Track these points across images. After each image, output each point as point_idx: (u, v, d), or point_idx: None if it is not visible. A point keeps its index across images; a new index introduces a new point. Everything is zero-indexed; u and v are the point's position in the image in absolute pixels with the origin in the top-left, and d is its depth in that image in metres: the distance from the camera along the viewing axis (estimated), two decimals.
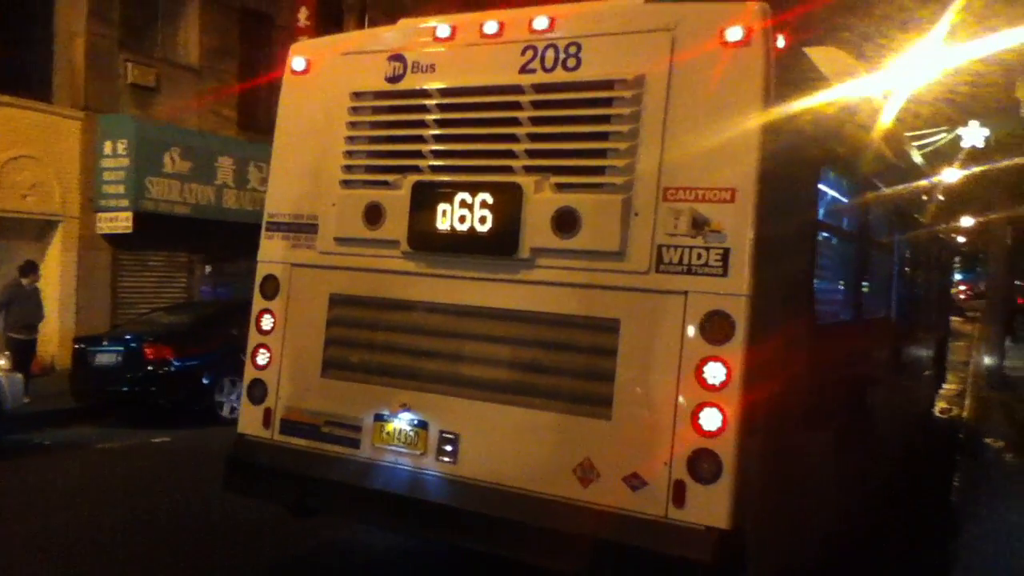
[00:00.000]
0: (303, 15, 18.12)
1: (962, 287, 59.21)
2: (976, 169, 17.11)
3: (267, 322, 5.20)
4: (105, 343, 11.62)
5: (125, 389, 11.14)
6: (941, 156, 20.50)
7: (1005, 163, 12.31)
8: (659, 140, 4.13)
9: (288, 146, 5.33)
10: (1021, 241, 13.70)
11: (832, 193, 5.42)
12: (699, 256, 4.00)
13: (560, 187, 4.37)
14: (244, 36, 17.46)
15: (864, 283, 6.47)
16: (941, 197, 11.55)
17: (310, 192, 5.12)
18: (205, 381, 11.33)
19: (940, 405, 14.81)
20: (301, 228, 5.14)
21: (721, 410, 3.89)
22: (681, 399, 3.98)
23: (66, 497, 7.87)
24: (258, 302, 5.27)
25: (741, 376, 3.90)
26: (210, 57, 16.63)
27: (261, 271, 5.28)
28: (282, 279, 5.19)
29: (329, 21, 18.88)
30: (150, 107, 15.55)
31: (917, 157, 9.59)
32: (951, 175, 21.84)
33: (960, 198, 23.64)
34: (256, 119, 17.88)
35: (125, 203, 14.38)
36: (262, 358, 5.21)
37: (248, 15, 17.49)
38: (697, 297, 4.00)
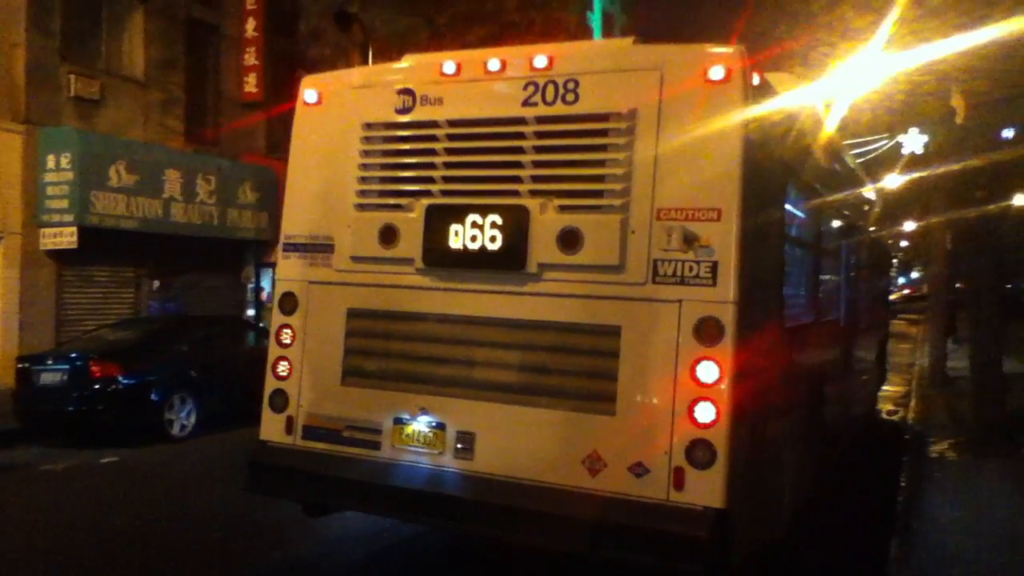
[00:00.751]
0: (251, 26, 17.98)
1: (905, 291, 61.02)
2: (916, 175, 17.56)
3: (286, 336, 5.59)
4: (50, 361, 11.36)
5: (71, 408, 10.88)
6: (883, 162, 21.01)
7: (943, 169, 12.66)
8: (652, 166, 4.63)
9: (302, 172, 5.67)
10: (960, 244, 14.09)
11: (793, 208, 5.97)
12: (691, 269, 4.52)
13: (563, 208, 4.83)
14: (190, 47, 17.24)
15: (819, 288, 7.11)
16: (878, 208, 12.37)
17: (325, 214, 5.50)
18: (154, 398, 11.12)
19: (886, 407, 15.15)
20: (317, 248, 5.51)
21: (714, 404, 4.41)
22: (678, 395, 4.48)
23: (5, 522, 7.68)
24: (277, 318, 5.65)
25: (731, 373, 4.42)
26: (155, 68, 16.39)
27: (279, 288, 5.69)
28: (300, 296, 5.58)
29: (277, 32, 18.75)
30: (94, 120, 15.27)
31: (861, 173, 10.29)
32: (893, 181, 22.40)
33: (902, 203, 24.23)
34: (203, 131, 17.67)
35: (69, 218, 14.09)
36: (283, 369, 5.59)
37: (194, 26, 17.28)
38: (690, 305, 4.51)
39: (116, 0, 15.83)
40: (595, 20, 63.97)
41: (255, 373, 12.96)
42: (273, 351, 5.66)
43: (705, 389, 4.43)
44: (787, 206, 5.66)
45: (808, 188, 6.54)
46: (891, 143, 19.21)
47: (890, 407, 15.05)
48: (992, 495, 8.30)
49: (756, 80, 4.69)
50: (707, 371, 4.43)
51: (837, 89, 12.14)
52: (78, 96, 14.95)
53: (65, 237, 14.10)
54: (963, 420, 11.81)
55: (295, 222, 5.65)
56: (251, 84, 18.11)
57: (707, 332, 4.46)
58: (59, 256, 14.52)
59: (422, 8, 20.69)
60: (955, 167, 11.64)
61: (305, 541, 7.14)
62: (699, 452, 4.41)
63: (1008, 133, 11.60)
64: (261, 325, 16.90)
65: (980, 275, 11.62)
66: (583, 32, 26.83)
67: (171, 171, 15.63)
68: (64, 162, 14.12)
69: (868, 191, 10.67)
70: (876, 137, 19.35)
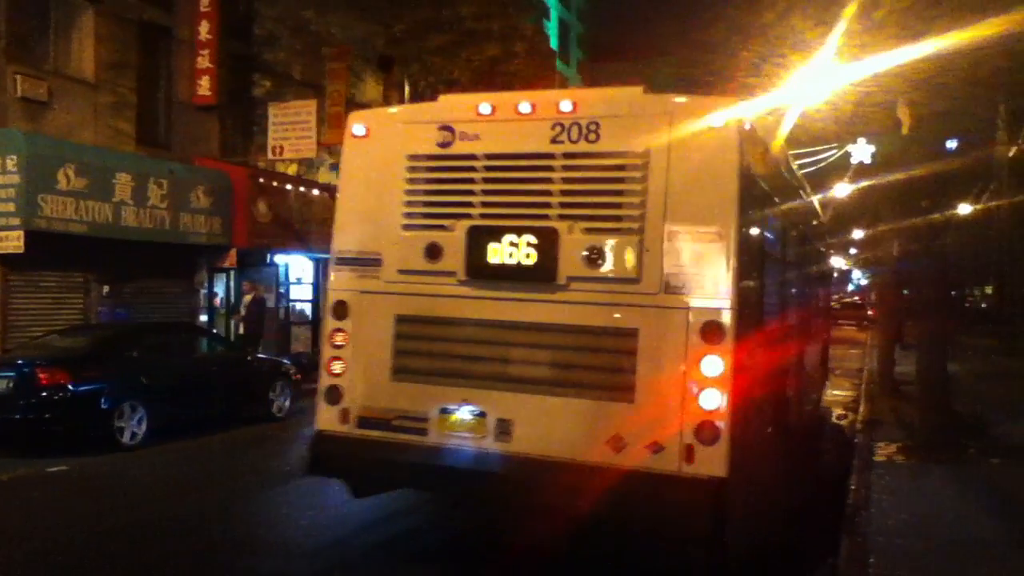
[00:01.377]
0: (204, 29, 17.75)
1: (855, 297, 62.36)
2: (865, 184, 17.95)
3: (339, 338, 6.33)
4: None
5: (18, 416, 10.61)
6: (833, 171, 21.44)
7: (890, 178, 12.97)
8: (663, 196, 5.51)
9: (351, 197, 6.52)
10: (907, 252, 14.44)
11: (767, 229, 6.85)
12: (697, 281, 5.44)
13: (588, 230, 5.69)
14: (142, 49, 16.94)
15: (784, 297, 8.06)
16: (825, 228, 13.30)
17: (373, 234, 6.29)
18: (104, 406, 10.88)
19: (837, 411, 15.44)
20: (366, 262, 6.30)
21: (718, 392, 5.32)
22: (688, 385, 5.38)
23: None
24: (330, 323, 6.40)
25: (731, 367, 5.34)
26: (106, 70, 16.09)
27: (332, 297, 6.41)
28: (351, 304, 6.34)
29: (231, 35, 18.54)
30: (42, 122, 14.94)
31: (815, 201, 11.84)
32: (842, 190, 22.87)
33: (852, 211, 24.74)
34: (155, 134, 17.39)
35: (16, 221, 13.74)
36: (337, 368, 6.32)
37: (146, 28, 17.00)
38: (697, 311, 5.42)
39: (65, 0, 15.52)
40: (552, 29, 64.26)
41: (209, 380, 12.90)
42: (327, 352, 6.38)
43: (710, 380, 5.34)
44: (767, 229, 6.66)
45: (780, 214, 7.56)
46: (840, 153, 19.63)
47: (840, 412, 15.35)
48: (939, 498, 8.50)
49: (748, 126, 5.65)
50: (712, 365, 5.35)
51: (789, 99, 12.40)
52: (25, 97, 14.62)
53: (11, 241, 13.76)
54: (911, 425, 12.08)
55: (346, 240, 6.45)
56: (204, 87, 17.85)
57: (711, 333, 5.37)
58: (5, 260, 14.15)
59: (380, 15, 20.66)
60: (901, 177, 11.94)
61: (263, 553, 7.08)
62: (706, 432, 5.31)
63: (952, 144, 11.92)
64: (215, 331, 16.71)
65: (926, 282, 11.91)
66: (541, 39, 26.95)
67: (122, 175, 15.33)
68: (10, 164, 13.78)
69: (819, 215, 12.15)
70: (826, 147, 19.75)
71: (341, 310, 6.34)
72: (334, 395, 6.32)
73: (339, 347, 6.32)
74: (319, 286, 21.62)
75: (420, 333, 6.16)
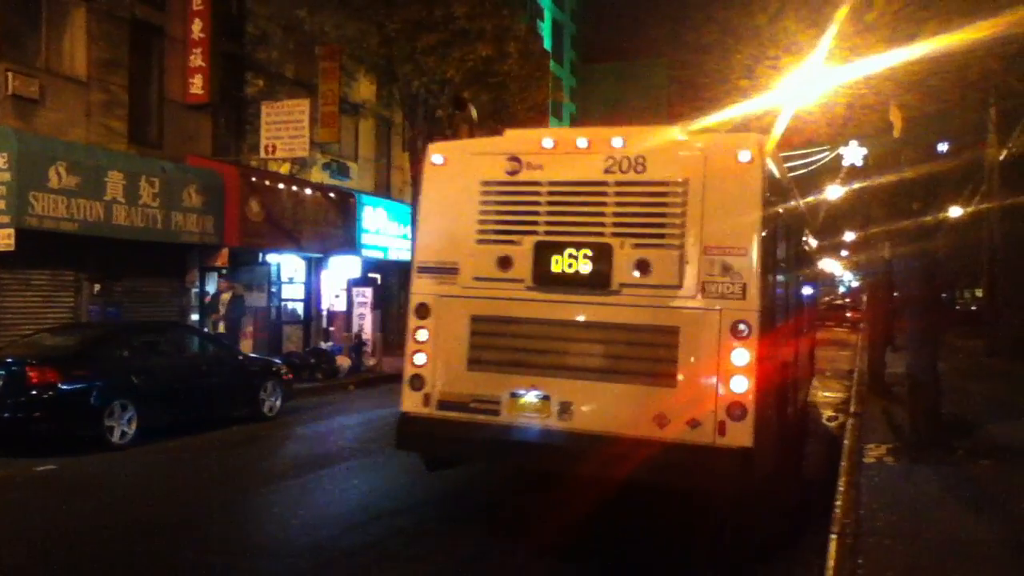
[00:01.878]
0: (197, 27, 17.73)
1: (845, 299, 62.98)
2: (856, 186, 18.02)
3: (422, 335, 7.31)
4: None
5: (6, 415, 10.57)
6: (825, 173, 21.50)
7: (881, 180, 13.01)
8: (699, 218, 6.59)
9: (431, 215, 7.56)
10: (898, 254, 14.50)
11: (779, 243, 7.90)
12: (728, 288, 6.48)
13: (636, 245, 6.72)
14: (134, 47, 16.91)
15: (788, 300, 9.11)
16: (815, 241, 14.64)
17: (450, 247, 7.28)
18: (93, 405, 10.86)
19: (827, 413, 15.48)
20: (445, 271, 7.26)
21: (745, 378, 6.38)
22: (720, 373, 6.42)
23: None
24: (414, 321, 7.37)
25: (755, 358, 6.40)
26: (98, 68, 16.06)
27: (414, 300, 7.40)
28: (432, 305, 7.31)
29: (223, 34, 18.51)
30: (33, 119, 14.90)
31: (810, 218, 13.76)
32: (834, 192, 22.92)
33: (843, 214, 24.81)
34: (147, 133, 17.36)
35: (6, 219, 13.70)
36: (419, 359, 7.30)
37: (138, 26, 16.96)
38: (728, 312, 6.47)
39: None
40: (545, 29, 64.26)
41: (199, 380, 12.88)
42: (411, 346, 7.33)
43: (738, 369, 6.39)
44: (778, 244, 7.75)
45: (787, 231, 8.69)
46: (832, 155, 19.68)
47: (830, 413, 15.39)
48: (928, 499, 8.52)
49: (768, 164, 6.76)
50: (740, 357, 6.41)
51: (782, 101, 12.42)
52: (16, 95, 14.58)
53: (2, 239, 13.72)
54: (900, 426, 12.11)
55: (426, 252, 7.46)
56: (197, 86, 17.83)
57: (739, 330, 6.42)
58: None
59: (372, 14, 20.63)
60: (892, 179, 11.97)
61: (252, 554, 7.07)
62: (735, 410, 6.37)
63: (942, 147, 11.96)
64: (206, 331, 16.66)
65: (915, 283, 11.94)
66: (534, 40, 26.97)
67: (114, 173, 15.30)
68: (1, 162, 13.74)
69: (809, 225, 13.63)
70: (818, 149, 19.79)
71: (423, 311, 7.33)
72: (417, 383, 7.30)
73: (421, 342, 7.31)
74: (311, 286, 21.61)
75: (493, 330, 7.15)
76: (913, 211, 11.32)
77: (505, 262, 7.05)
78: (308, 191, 20.31)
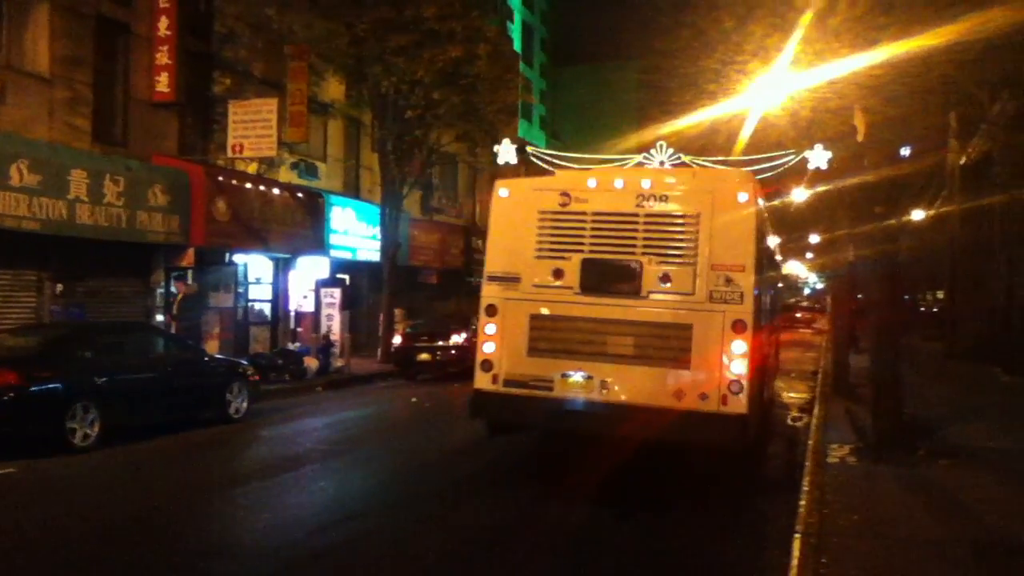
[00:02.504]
0: (163, 25, 17.52)
1: (816, 303, 63.68)
2: (821, 189, 18.25)
3: (491, 329, 9.31)
4: None
5: None
6: (791, 176, 21.73)
7: (846, 183, 13.20)
8: (708, 242, 8.63)
9: (498, 236, 9.51)
10: (861, 257, 14.71)
11: (764, 261, 9.89)
12: (730, 295, 8.54)
13: (660, 262, 8.81)
14: (99, 45, 16.65)
15: (766, 303, 11.20)
16: (781, 255, 17.07)
17: (514, 261, 9.33)
18: (55, 407, 10.68)
19: (792, 413, 15.66)
20: (509, 280, 9.31)
21: (742, 362, 8.47)
22: (723, 359, 8.49)
23: None
24: (484, 319, 9.41)
25: (749, 348, 8.45)
26: (62, 65, 15.80)
27: (484, 302, 9.42)
28: (499, 306, 9.34)
29: (190, 32, 18.32)
30: None
31: (776, 238, 16.54)
32: (800, 195, 23.19)
33: (809, 216, 25.10)
34: (112, 131, 17.12)
35: None
36: (489, 348, 9.31)
37: (103, 23, 16.71)
38: (729, 313, 8.54)
39: None
40: (515, 31, 64.32)
41: (164, 381, 12.72)
42: (482, 337, 9.39)
43: (737, 355, 8.48)
44: (763, 261, 9.71)
45: (768, 252, 11.07)
46: (798, 158, 19.91)
47: (795, 414, 15.56)
48: (889, 499, 8.65)
49: (760, 201, 9.11)
50: (738, 347, 8.49)
51: (750, 104, 12.56)
52: None
53: None
54: (863, 427, 12.28)
55: (495, 265, 9.44)
56: (163, 84, 17.61)
57: (738, 327, 8.48)
58: None
59: (342, 14, 20.53)
60: (856, 182, 12.14)
61: (216, 555, 7.00)
62: (734, 386, 8.48)
63: (905, 151, 12.15)
64: (172, 332, 16.46)
65: (877, 287, 12.12)
66: (504, 42, 26.99)
67: (77, 171, 15.06)
68: None
69: (776, 240, 16.32)
70: (784, 152, 20.01)
71: (492, 310, 9.36)
72: (487, 366, 9.31)
73: (491, 335, 9.32)
74: (279, 286, 21.44)
75: (547, 326, 9.15)
76: (876, 214, 11.49)
77: (558, 273, 9.08)
78: (276, 191, 20.16)
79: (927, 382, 19.39)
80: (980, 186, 23.97)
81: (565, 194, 9.05)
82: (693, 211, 8.65)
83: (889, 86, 8.16)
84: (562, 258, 9.06)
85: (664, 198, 8.74)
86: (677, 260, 8.69)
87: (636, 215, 8.80)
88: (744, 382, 8.36)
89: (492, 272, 9.40)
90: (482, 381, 9.27)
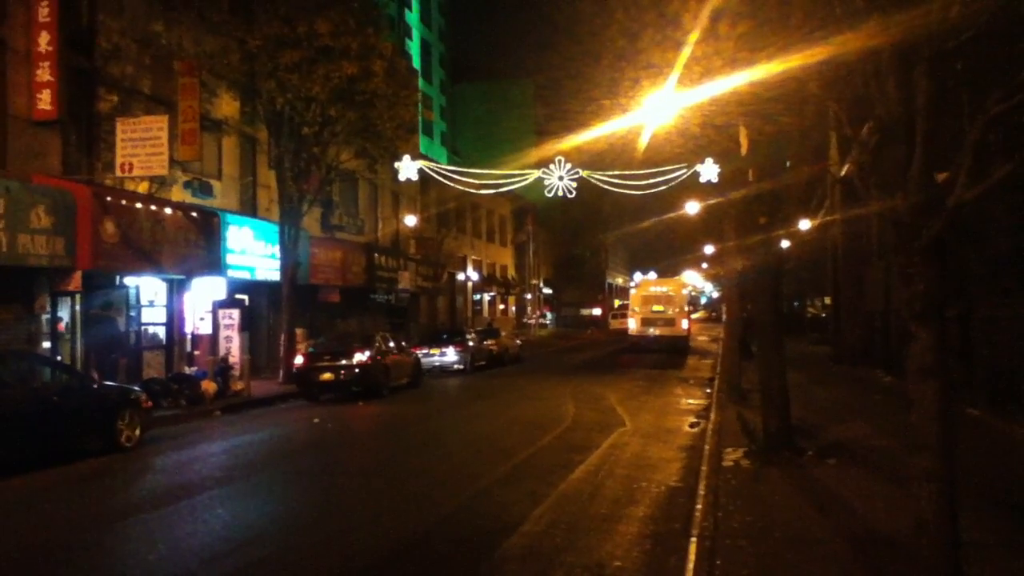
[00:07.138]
0: (44, 40, 16.86)
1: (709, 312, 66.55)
2: (712, 201, 18.89)
3: (632, 324, 41.48)
4: None
5: None
6: (684, 190, 22.40)
7: (732, 196, 13.69)
8: (682, 302, 41.15)
9: (635, 303, 41.62)
10: (748, 267, 15.27)
11: (689, 302, 46.96)
12: (683, 312, 41.03)
13: (672, 311, 40.33)
14: None
15: (687, 313, 45.83)
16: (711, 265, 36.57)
17: (631, 311, 42.58)
18: None
19: (689, 419, 16.09)
20: (633, 311, 41.68)
21: (687, 323, 42.20)
22: (682, 324, 40.60)
23: None
24: (632, 321, 42.09)
25: (688, 323, 42.75)
26: None
27: (631, 315, 42.17)
28: (631, 315, 42.24)
29: (73, 48, 17.67)
30: None
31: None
32: (693, 207, 23.94)
33: (702, 228, 25.91)
34: None
35: None
36: (632, 324, 41.24)
37: None
38: (683, 317, 40.92)
39: None
40: (414, 48, 64.25)
41: (47, 411, 12.14)
42: (629, 322, 42.46)
43: (688, 323, 41.63)
44: (688, 302, 45.89)
45: (691, 298, 54.16)
46: (691, 172, 20.54)
47: (692, 420, 16.00)
48: (779, 500, 9.00)
49: (689, 285, 56.06)
50: (686, 323, 40.72)
51: (643, 119, 12.88)
52: None
53: None
54: (754, 431, 12.73)
55: (632, 310, 41.83)
56: (45, 101, 16.92)
57: (686, 319, 40.81)
58: None
59: (232, 29, 20.15)
60: (741, 194, 12.62)
61: None
62: (686, 329, 40.90)
63: (787, 164, 12.69)
64: (58, 359, 15.75)
65: (761, 297, 12.60)
66: (400, 58, 26.95)
67: None
68: None
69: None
70: (677, 166, 20.61)
71: (632, 314, 41.42)
72: (631, 328, 40.90)
73: (633, 325, 40.85)
74: (173, 309, 20.80)
75: (642, 321, 40.37)
76: (760, 225, 11.95)
77: (636, 318, 40.46)
78: (168, 210, 19.57)
79: (814, 385, 20.26)
80: (858, 197, 25.18)
81: (636, 285, 44.23)
82: (676, 292, 40.30)
83: (767, 105, 8.49)
84: (635, 312, 40.40)
85: (668, 289, 40.86)
86: (674, 310, 39.20)
87: (668, 294, 40.08)
88: (687, 327, 40.92)
89: (632, 310, 41.15)
90: (631, 332, 40.59)
